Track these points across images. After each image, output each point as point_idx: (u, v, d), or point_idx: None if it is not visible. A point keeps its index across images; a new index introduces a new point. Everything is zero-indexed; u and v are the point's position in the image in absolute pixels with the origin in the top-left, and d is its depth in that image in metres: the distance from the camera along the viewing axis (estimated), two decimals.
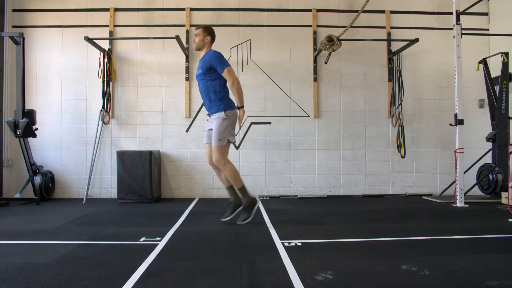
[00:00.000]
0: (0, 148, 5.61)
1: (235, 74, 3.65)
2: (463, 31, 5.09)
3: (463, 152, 4.94)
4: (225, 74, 3.59)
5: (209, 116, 3.75)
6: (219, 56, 3.64)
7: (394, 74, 6.02)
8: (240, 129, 3.75)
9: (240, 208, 3.79)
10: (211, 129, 3.69)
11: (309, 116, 5.98)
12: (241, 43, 5.98)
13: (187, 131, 5.92)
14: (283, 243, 3.02)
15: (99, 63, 5.65)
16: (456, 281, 2.18)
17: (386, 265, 2.47)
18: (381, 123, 6.07)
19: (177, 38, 5.28)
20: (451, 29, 5.17)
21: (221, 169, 3.70)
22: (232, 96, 3.72)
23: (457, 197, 4.92)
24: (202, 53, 3.78)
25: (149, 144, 5.87)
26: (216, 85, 3.65)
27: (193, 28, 5.97)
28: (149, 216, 4.32)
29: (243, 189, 3.73)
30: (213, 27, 5.88)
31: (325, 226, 3.77)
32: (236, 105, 3.69)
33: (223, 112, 3.60)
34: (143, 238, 3.20)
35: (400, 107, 5.90)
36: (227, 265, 2.48)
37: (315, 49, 5.99)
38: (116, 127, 5.89)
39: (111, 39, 5.83)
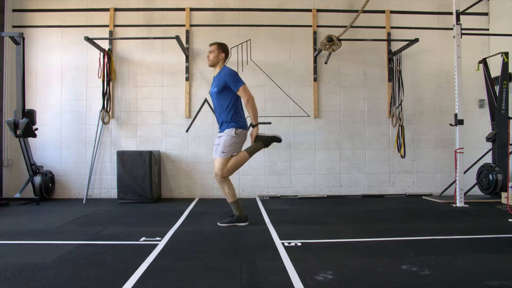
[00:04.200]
0: (0, 148, 5.61)
1: (250, 92, 3.63)
2: (463, 31, 5.09)
3: (463, 152, 4.94)
4: (240, 93, 3.60)
5: (219, 133, 3.74)
6: (234, 75, 3.64)
7: (394, 74, 6.02)
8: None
9: (232, 216, 3.78)
10: (219, 145, 3.69)
11: (309, 116, 5.98)
12: (241, 43, 5.98)
13: (187, 131, 5.92)
14: (283, 243, 3.02)
15: (99, 63, 5.65)
16: (456, 281, 2.18)
17: (386, 265, 2.47)
18: (381, 123, 6.07)
19: (177, 38, 5.28)
20: (451, 29, 5.17)
21: (217, 181, 3.69)
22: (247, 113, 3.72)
23: (457, 197, 4.92)
24: (216, 70, 3.77)
25: (149, 144, 5.87)
26: (230, 104, 3.64)
27: (193, 28, 5.98)
28: (149, 216, 4.32)
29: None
30: (213, 27, 5.99)
31: (325, 226, 3.77)
32: (250, 123, 3.70)
33: (233, 129, 3.59)
34: (143, 238, 3.20)
35: (400, 107, 5.90)
36: (227, 265, 2.48)
37: (315, 49, 5.99)
38: (116, 127, 5.89)
39: (111, 39, 5.83)
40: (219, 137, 3.73)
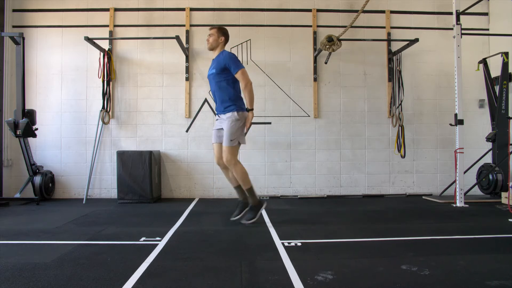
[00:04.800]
0: (0, 148, 5.61)
1: (248, 76, 3.65)
2: (463, 31, 5.09)
3: (463, 152, 4.94)
4: (238, 76, 3.61)
5: (219, 116, 3.76)
6: (234, 57, 3.67)
7: (394, 74, 6.02)
8: (247, 131, 3.76)
9: (247, 208, 3.81)
10: (221, 129, 3.71)
11: (309, 116, 5.98)
12: (241, 43, 5.98)
13: (187, 131, 5.92)
14: (283, 243, 3.02)
15: (99, 63, 5.64)
16: (456, 281, 2.18)
17: (386, 265, 2.47)
18: (381, 123, 6.07)
19: (177, 38, 5.28)
20: (451, 29, 5.17)
21: (231, 169, 3.70)
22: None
23: (457, 197, 4.92)
24: (215, 53, 3.78)
25: (149, 144, 5.87)
26: (229, 86, 3.66)
27: (193, 28, 5.98)
28: (149, 216, 4.32)
29: (251, 190, 3.73)
30: None
31: (325, 226, 3.77)
32: (246, 107, 3.72)
33: (235, 113, 3.61)
34: (143, 238, 3.20)
35: (400, 107, 5.90)
36: (227, 265, 2.49)
37: (315, 49, 5.99)
38: (116, 127, 5.89)
39: (111, 39, 5.83)
40: (217, 119, 3.75)
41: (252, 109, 3.68)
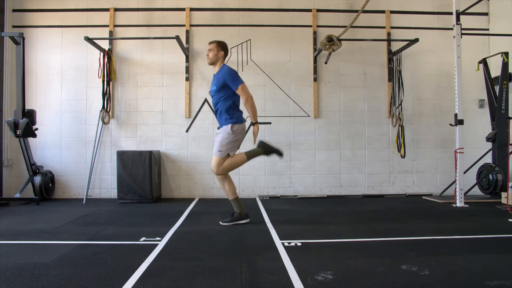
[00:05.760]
0: (0, 148, 5.61)
1: (248, 91, 3.66)
2: (463, 31, 5.09)
3: (463, 152, 4.94)
4: (239, 91, 3.63)
5: (218, 129, 3.80)
6: (233, 73, 3.67)
7: (394, 74, 6.02)
8: (255, 143, 3.78)
9: (233, 215, 3.83)
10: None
11: (309, 116, 5.98)
12: (241, 43, 5.98)
13: (187, 131, 5.92)
14: (283, 243, 3.02)
15: (99, 63, 5.65)
16: (456, 281, 2.18)
17: (386, 265, 2.47)
18: (381, 123, 6.07)
19: (177, 38, 5.28)
20: (451, 29, 5.17)
21: (217, 178, 3.79)
22: (245, 111, 3.76)
23: (457, 197, 4.92)
24: (215, 68, 3.80)
25: (149, 144, 5.87)
26: (228, 101, 3.67)
27: (193, 28, 5.98)
28: (149, 216, 4.32)
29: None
30: (213, 27, 5.99)
31: (325, 226, 3.77)
32: (248, 120, 3.75)
33: (229, 126, 3.63)
34: (143, 238, 3.21)
35: (400, 107, 5.90)
36: (227, 265, 2.49)
37: (315, 49, 5.99)
38: (116, 127, 5.89)
39: (111, 39, 5.83)
40: (218, 133, 3.78)
41: (256, 122, 3.71)
